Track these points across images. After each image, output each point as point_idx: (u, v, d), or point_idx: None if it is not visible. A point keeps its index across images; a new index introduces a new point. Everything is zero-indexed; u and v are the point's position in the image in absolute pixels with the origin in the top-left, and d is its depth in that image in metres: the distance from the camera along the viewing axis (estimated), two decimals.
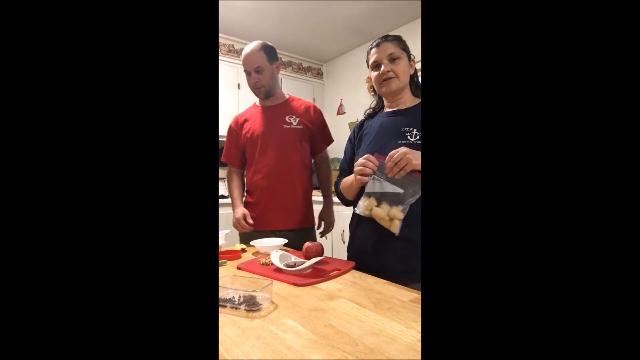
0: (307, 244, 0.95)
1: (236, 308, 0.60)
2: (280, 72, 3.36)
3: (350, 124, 3.39)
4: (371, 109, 1.11)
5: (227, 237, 1.14)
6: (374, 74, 1.00)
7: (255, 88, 1.35)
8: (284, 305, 0.62)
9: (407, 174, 0.82)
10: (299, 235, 1.32)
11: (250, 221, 1.29)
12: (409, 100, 1.01)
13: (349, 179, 1.00)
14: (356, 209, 0.92)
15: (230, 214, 1.44)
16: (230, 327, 0.53)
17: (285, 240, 1.12)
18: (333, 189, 1.22)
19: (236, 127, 1.42)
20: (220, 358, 0.44)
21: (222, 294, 0.62)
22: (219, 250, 1.04)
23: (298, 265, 0.83)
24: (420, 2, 0.48)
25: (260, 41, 1.33)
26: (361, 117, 1.16)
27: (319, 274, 0.80)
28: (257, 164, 1.34)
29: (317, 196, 1.49)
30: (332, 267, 0.85)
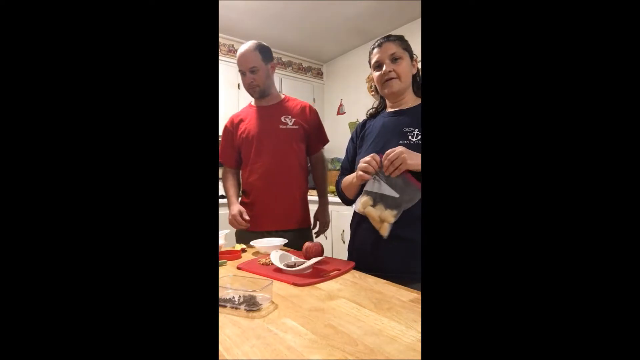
0: (307, 244, 0.95)
1: (236, 308, 0.60)
2: (281, 72, 3.40)
3: (350, 124, 3.39)
4: (374, 109, 1.11)
5: (227, 237, 1.14)
6: (376, 74, 1.00)
7: (250, 88, 1.35)
8: (284, 305, 0.62)
9: (405, 179, 0.83)
10: (296, 235, 1.31)
11: (247, 217, 1.27)
12: (411, 100, 1.01)
13: (350, 177, 1.00)
14: (354, 205, 0.93)
15: None
16: (230, 327, 0.53)
17: (285, 240, 1.12)
18: (333, 188, 1.22)
19: (231, 127, 1.41)
20: (220, 358, 0.44)
21: (222, 294, 0.62)
22: (219, 250, 1.04)
23: (298, 265, 0.83)
24: (420, 2, 0.48)
25: (255, 41, 1.32)
26: (361, 117, 1.16)
27: (319, 274, 0.80)
28: (253, 165, 1.34)
29: (312, 196, 1.48)
30: (332, 267, 0.85)
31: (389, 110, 1.04)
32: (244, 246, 1.13)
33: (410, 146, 0.89)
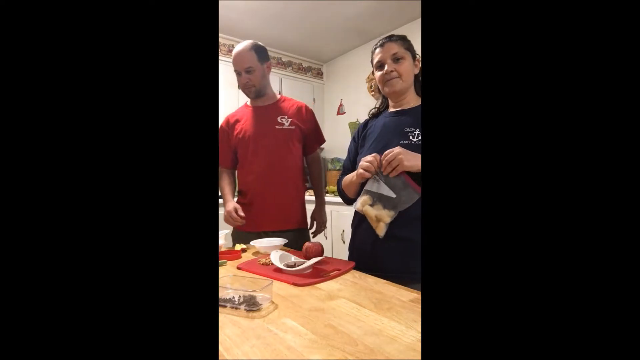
0: (307, 244, 0.95)
1: (236, 308, 0.60)
2: (281, 72, 3.40)
3: (350, 124, 3.39)
4: (376, 109, 1.11)
5: (227, 237, 1.14)
6: (378, 73, 1.00)
7: (245, 88, 1.34)
8: (284, 305, 0.62)
9: (403, 181, 0.84)
10: (293, 235, 1.31)
11: (242, 214, 1.25)
12: (413, 100, 1.01)
13: (350, 176, 1.00)
14: (354, 204, 0.93)
15: None
16: (230, 327, 0.53)
17: (285, 240, 1.12)
18: (332, 188, 1.22)
19: (227, 127, 1.40)
20: (220, 358, 0.44)
21: (222, 294, 0.62)
22: (219, 250, 1.04)
23: (298, 265, 0.83)
24: (420, 2, 0.48)
25: (251, 41, 1.32)
26: (361, 117, 1.17)
27: (319, 274, 0.80)
28: (250, 165, 1.34)
29: (309, 196, 1.48)
30: (332, 267, 0.85)
31: (391, 110, 1.04)
32: (244, 246, 1.13)
33: (411, 146, 0.89)
